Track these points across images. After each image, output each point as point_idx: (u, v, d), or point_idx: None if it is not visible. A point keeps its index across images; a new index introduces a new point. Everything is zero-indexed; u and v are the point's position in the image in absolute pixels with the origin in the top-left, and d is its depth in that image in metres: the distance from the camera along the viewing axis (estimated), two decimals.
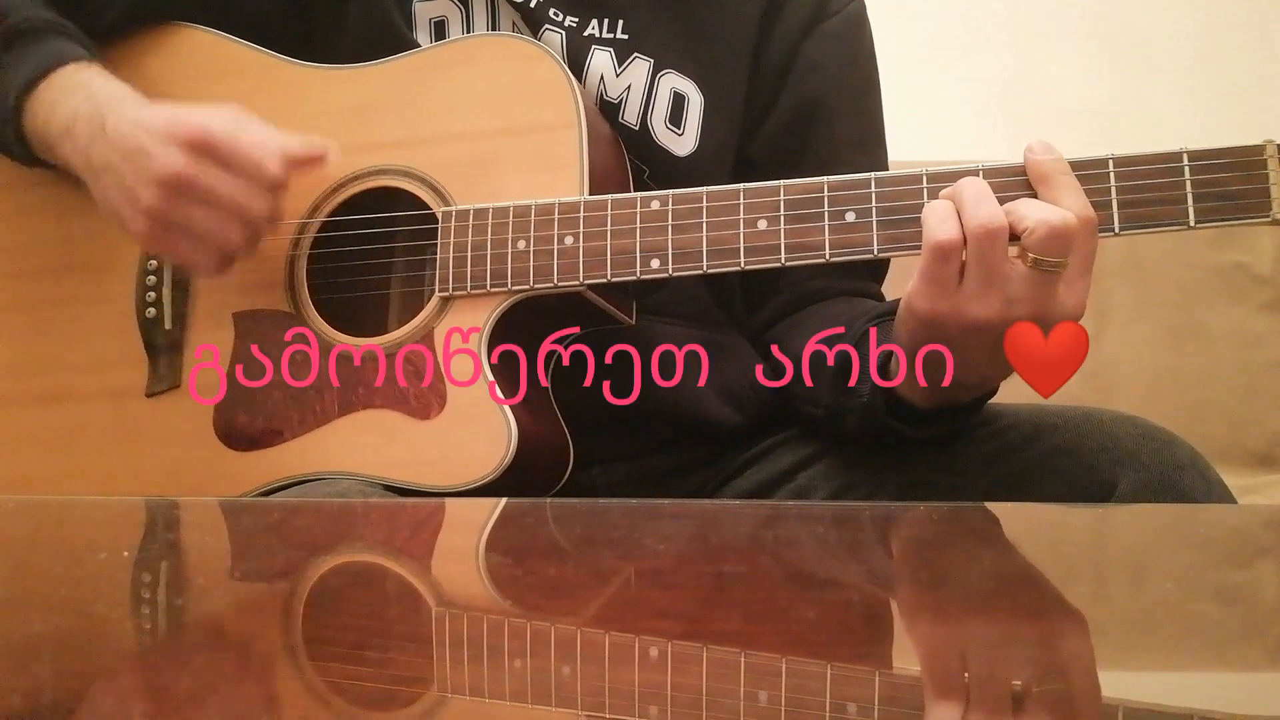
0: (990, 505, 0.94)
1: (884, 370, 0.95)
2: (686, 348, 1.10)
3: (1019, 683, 0.47)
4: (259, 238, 0.99)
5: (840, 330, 1.03)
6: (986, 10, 2.15)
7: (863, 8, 1.17)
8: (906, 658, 0.52)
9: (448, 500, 0.94)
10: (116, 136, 0.96)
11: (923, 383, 0.91)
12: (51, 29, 1.04)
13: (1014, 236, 0.85)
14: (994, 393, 0.97)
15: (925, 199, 0.89)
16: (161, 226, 0.96)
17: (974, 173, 0.88)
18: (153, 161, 0.94)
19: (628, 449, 1.09)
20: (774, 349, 1.13)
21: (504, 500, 0.92)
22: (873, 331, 0.99)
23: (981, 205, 0.84)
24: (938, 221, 0.85)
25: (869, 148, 1.15)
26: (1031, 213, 0.84)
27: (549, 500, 0.99)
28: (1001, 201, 0.85)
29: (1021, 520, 0.87)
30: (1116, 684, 0.49)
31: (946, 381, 0.89)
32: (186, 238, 0.96)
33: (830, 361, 1.01)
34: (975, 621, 0.56)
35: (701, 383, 1.10)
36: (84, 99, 1.00)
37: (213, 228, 0.95)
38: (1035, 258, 0.83)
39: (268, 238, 1.00)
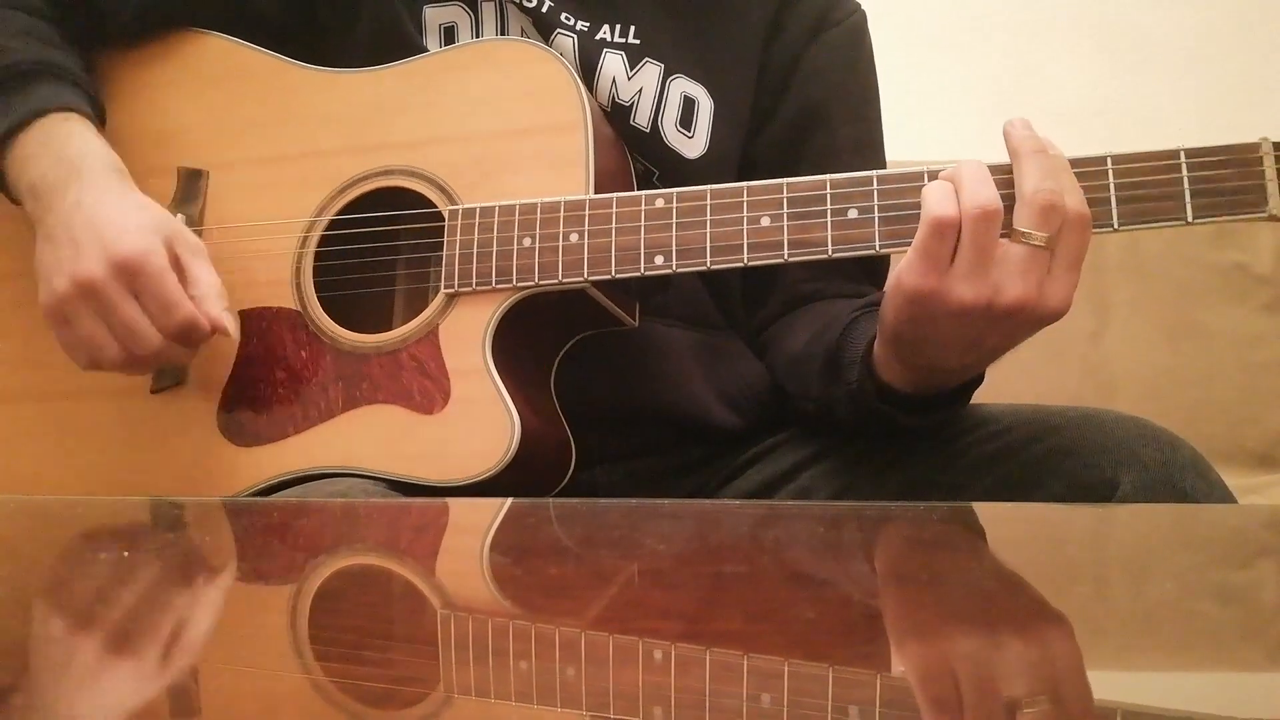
0: (991, 505, 0.94)
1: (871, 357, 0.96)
2: (687, 350, 1.10)
3: (1019, 683, 0.47)
4: (143, 367, 1.00)
5: (827, 325, 1.04)
6: (986, 10, 2.15)
7: (864, 18, 1.19)
8: (907, 658, 0.52)
9: (450, 500, 0.94)
10: (67, 220, 0.98)
11: (897, 359, 0.92)
12: (42, 71, 1.03)
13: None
14: (980, 381, 0.97)
15: None
16: (57, 314, 0.98)
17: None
18: (80, 260, 0.96)
19: (629, 449, 1.10)
20: (768, 348, 1.14)
21: (509, 500, 0.92)
22: (861, 319, 0.99)
23: (980, 187, 0.86)
24: (937, 200, 0.86)
25: (867, 153, 1.17)
26: (1025, 187, 0.85)
27: (550, 500, 0.99)
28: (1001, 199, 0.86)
29: (1022, 520, 0.87)
30: (1116, 684, 0.49)
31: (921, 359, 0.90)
32: (72, 334, 0.98)
33: (817, 354, 1.02)
34: (975, 621, 0.56)
35: (702, 385, 1.10)
36: (55, 162, 1.00)
37: (94, 338, 0.97)
38: (1021, 230, 0.84)
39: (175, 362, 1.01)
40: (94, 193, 0.98)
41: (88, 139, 1.02)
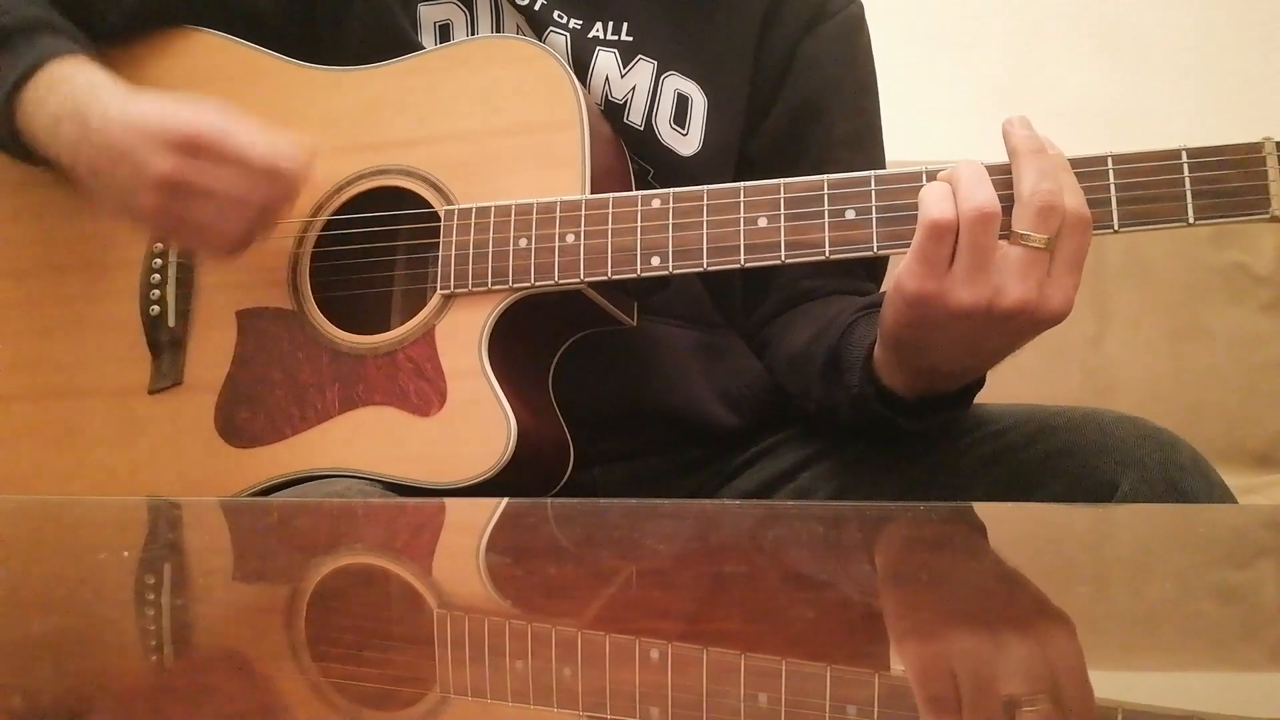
0: (991, 505, 0.94)
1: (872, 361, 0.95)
2: (686, 348, 1.10)
3: (1019, 683, 0.47)
4: (268, 222, 0.99)
5: (827, 325, 1.03)
6: (986, 10, 2.15)
7: (861, 10, 1.18)
8: (906, 658, 0.52)
9: (448, 500, 0.94)
10: (101, 139, 0.97)
11: (898, 363, 0.91)
12: (42, 26, 1.04)
13: None
14: (981, 384, 0.97)
15: None
16: (165, 224, 0.97)
17: None
18: (144, 167, 0.95)
19: (627, 449, 1.09)
20: (767, 347, 1.14)
21: (505, 500, 0.92)
22: (862, 320, 0.99)
23: (977, 189, 0.85)
24: (934, 201, 0.86)
25: (866, 147, 1.16)
26: (1023, 188, 0.85)
27: (549, 500, 0.99)
28: (1000, 199, 0.85)
29: (1022, 520, 0.87)
30: (1116, 684, 0.49)
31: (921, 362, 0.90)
32: (193, 231, 0.97)
33: (818, 356, 1.02)
34: (976, 622, 0.56)
35: (700, 384, 1.10)
36: (65, 96, 1.00)
37: (215, 220, 0.96)
38: (1019, 232, 0.84)
39: (275, 228, 1.00)
40: (113, 105, 0.98)
41: (93, 70, 1.02)
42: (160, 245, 1.06)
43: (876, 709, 0.45)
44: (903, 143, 1.30)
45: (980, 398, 0.99)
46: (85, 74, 1.02)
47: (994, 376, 0.96)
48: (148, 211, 0.96)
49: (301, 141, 0.98)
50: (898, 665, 0.51)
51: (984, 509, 0.92)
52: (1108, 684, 0.49)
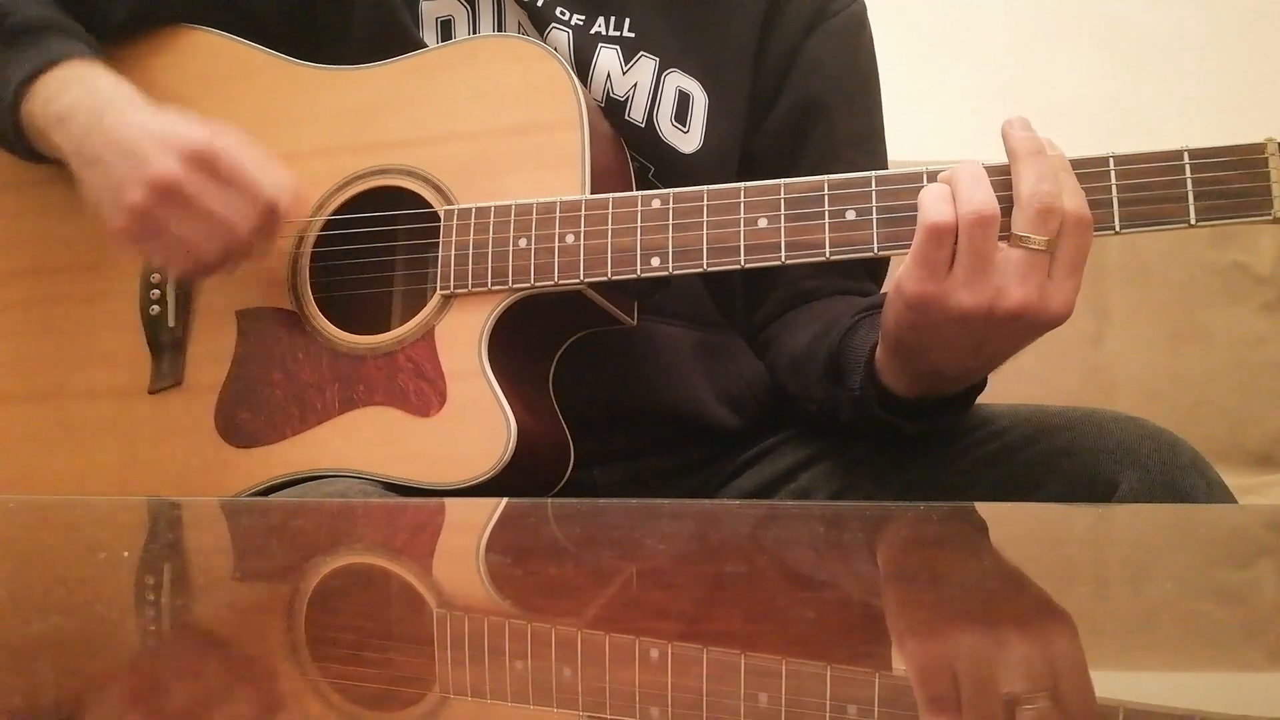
0: (991, 505, 0.94)
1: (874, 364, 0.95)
2: (686, 348, 1.10)
3: (1019, 683, 0.47)
4: (243, 256, 0.99)
5: (829, 326, 1.03)
6: (986, 11, 2.15)
7: (863, 8, 1.18)
8: (907, 658, 0.52)
9: (448, 500, 0.94)
10: (115, 133, 0.96)
11: (899, 366, 0.91)
12: (55, 27, 1.04)
13: None
14: (983, 386, 0.97)
15: None
16: (141, 226, 0.96)
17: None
18: (148, 164, 0.94)
19: (627, 449, 1.09)
20: (768, 347, 1.14)
21: (505, 500, 0.92)
22: (863, 322, 0.99)
23: (975, 191, 0.85)
24: (932, 203, 0.85)
25: (868, 146, 1.16)
26: (1022, 189, 0.85)
27: (549, 500, 0.99)
28: (999, 200, 0.85)
29: (1022, 520, 0.87)
30: (1116, 684, 0.49)
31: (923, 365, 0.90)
32: (165, 242, 0.96)
33: (819, 358, 1.02)
34: (975, 622, 0.56)
35: (701, 384, 1.10)
36: (85, 92, 1.00)
37: (193, 237, 0.95)
38: (1019, 234, 0.84)
39: (242, 265, 1.00)
40: (132, 112, 0.98)
41: (116, 78, 1.02)
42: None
43: (877, 709, 0.45)
44: (903, 143, 1.30)
45: (980, 398, 0.99)
46: (107, 78, 1.01)
47: (994, 377, 0.96)
48: (132, 210, 0.94)
49: (295, 187, 0.98)
50: (898, 665, 0.51)
51: (984, 509, 0.92)
52: (1108, 683, 0.49)
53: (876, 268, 1.16)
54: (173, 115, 0.98)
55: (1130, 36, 2.14)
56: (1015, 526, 0.86)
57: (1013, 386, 1.05)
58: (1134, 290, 1.85)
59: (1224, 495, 0.94)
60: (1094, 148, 0.89)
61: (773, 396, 1.13)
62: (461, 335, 0.97)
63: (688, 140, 1.09)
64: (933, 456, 1.01)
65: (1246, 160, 0.86)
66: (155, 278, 1.06)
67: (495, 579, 0.67)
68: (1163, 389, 1.83)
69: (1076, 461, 0.95)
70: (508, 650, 0.51)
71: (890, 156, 1.19)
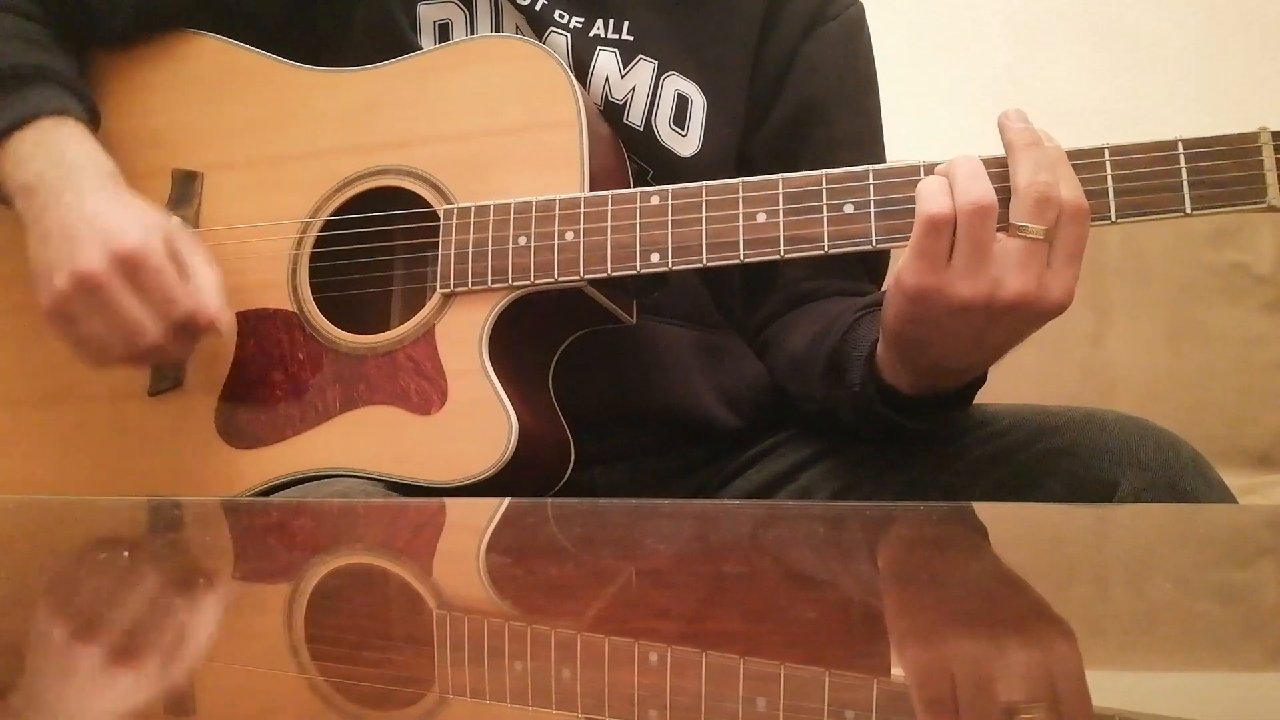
0: (991, 505, 0.94)
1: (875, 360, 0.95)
2: (686, 348, 1.10)
3: (1018, 685, 0.47)
4: (155, 358, 1.00)
5: (829, 325, 1.03)
6: (985, 10, 2.15)
7: (861, 11, 1.18)
8: (907, 659, 0.52)
9: (448, 500, 0.94)
10: (67, 215, 0.97)
11: (900, 361, 0.91)
12: (35, 76, 1.04)
13: None
14: (983, 381, 0.97)
15: None
16: (59, 312, 0.97)
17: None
18: (78, 255, 0.95)
19: (627, 449, 1.09)
20: (768, 348, 1.14)
21: (505, 500, 0.92)
22: (864, 320, 0.99)
23: (973, 183, 0.85)
24: (930, 195, 0.86)
25: (867, 148, 1.16)
26: (1019, 180, 0.85)
27: (549, 500, 0.99)
28: (997, 191, 0.85)
29: (1022, 520, 0.87)
30: (1116, 684, 0.49)
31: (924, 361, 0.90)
32: (75, 331, 0.98)
33: (820, 356, 1.02)
34: (976, 623, 0.56)
35: (701, 384, 1.10)
36: (51, 164, 1.00)
37: (98, 332, 0.97)
38: (1017, 224, 0.84)
39: (146, 365, 1.01)
40: (90, 194, 0.98)
41: (83, 144, 1.02)
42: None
43: (874, 711, 0.45)
44: (903, 143, 1.30)
45: (980, 397, 0.99)
46: (76, 145, 1.01)
47: (994, 376, 0.96)
48: (54, 295, 0.96)
49: (228, 317, 0.99)
50: (898, 666, 0.51)
51: (984, 509, 0.92)
52: (1107, 684, 0.49)
53: (875, 269, 1.16)
54: (129, 205, 0.99)
55: (1129, 36, 2.14)
56: (1015, 527, 0.86)
57: (1013, 385, 1.05)
58: (1134, 290, 1.86)
59: (1224, 495, 0.94)
60: (1091, 144, 0.89)
61: (773, 396, 1.13)
62: (462, 333, 0.98)
63: (686, 143, 1.09)
64: (933, 456, 1.01)
65: (1240, 149, 0.87)
66: None
67: (495, 579, 0.67)
68: (1163, 389, 1.83)
69: (1076, 461, 0.95)
70: (507, 651, 0.51)
71: (890, 156, 1.19)
